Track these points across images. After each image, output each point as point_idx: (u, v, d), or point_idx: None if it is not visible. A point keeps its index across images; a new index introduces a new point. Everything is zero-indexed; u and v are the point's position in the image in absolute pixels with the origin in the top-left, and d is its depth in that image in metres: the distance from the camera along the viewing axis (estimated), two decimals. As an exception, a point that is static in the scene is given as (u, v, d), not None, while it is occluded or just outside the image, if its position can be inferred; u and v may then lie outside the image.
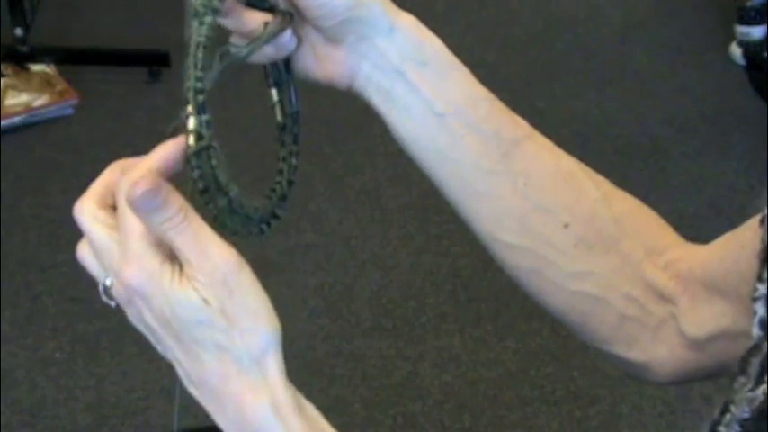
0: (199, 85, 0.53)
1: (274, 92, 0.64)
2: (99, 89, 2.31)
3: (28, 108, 2.23)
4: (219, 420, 0.53)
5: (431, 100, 0.64)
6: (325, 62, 0.64)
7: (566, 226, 0.66)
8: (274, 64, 0.63)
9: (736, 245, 0.63)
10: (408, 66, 0.64)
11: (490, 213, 0.66)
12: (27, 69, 2.31)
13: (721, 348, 0.64)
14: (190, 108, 0.53)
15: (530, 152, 0.66)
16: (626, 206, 0.69)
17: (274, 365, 0.52)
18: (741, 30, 2.50)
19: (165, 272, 0.51)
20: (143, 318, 0.53)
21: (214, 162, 0.54)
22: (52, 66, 2.32)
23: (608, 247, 0.66)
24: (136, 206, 0.50)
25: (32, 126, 2.22)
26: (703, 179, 2.18)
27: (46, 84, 2.28)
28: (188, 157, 0.53)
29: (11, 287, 1.87)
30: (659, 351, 0.67)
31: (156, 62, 2.32)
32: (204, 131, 0.53)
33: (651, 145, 2.27)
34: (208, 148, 0.53)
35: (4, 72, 2.30)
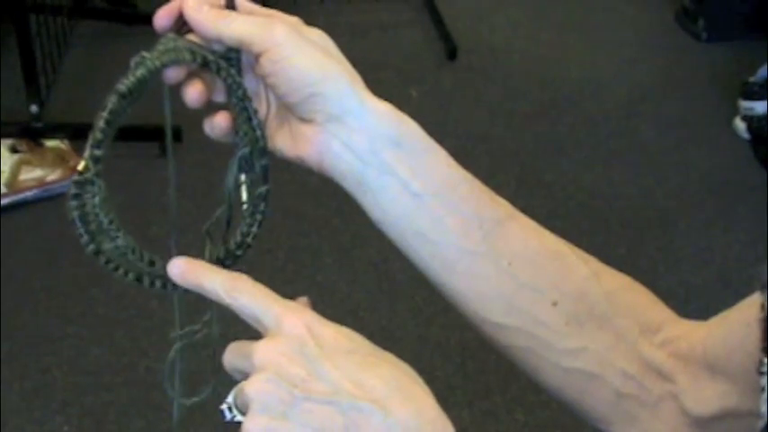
0: (102, 124, 0.58)
1: (243, 175, 0.64)
2: (110, 164, 2.31)
3: (41, 183, 2.26)
4: None
5: (407, 180, 0.63)
6: (298, 140, 0.64)
7: (554, 304, 0.65)
8: (246, 155, 0.64)
9: (741, 323, 0.61)
10: (380, 145, 0.62)
11: (475, 294, 0.65)
12: (41, 145, 2.35)
13: (726, 428, 0.62)
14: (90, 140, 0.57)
15: (513, 232, 0.65)
16: (617, 282, 0.67)
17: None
18: (745, 105, 2.53)
19: None
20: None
21: (96, 199, 0.57)
22: (66, 141, 2.36)
23: (601, 323, 0.65)
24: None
25: (45, 200, 2.25)
26: (711, 251, 2.18)
27: (60, 159, 2.31)
28: (70, 184, 0.57)
29: (20, 360, 1.87)
30: (660, 431, 0.66)
31: (168, 137, 2.35)
32: (91, 165, 0.57)
33: (658, 218, 2.27)
34: (92, 182, 0.57)
35: (18, 148, 2.34)
